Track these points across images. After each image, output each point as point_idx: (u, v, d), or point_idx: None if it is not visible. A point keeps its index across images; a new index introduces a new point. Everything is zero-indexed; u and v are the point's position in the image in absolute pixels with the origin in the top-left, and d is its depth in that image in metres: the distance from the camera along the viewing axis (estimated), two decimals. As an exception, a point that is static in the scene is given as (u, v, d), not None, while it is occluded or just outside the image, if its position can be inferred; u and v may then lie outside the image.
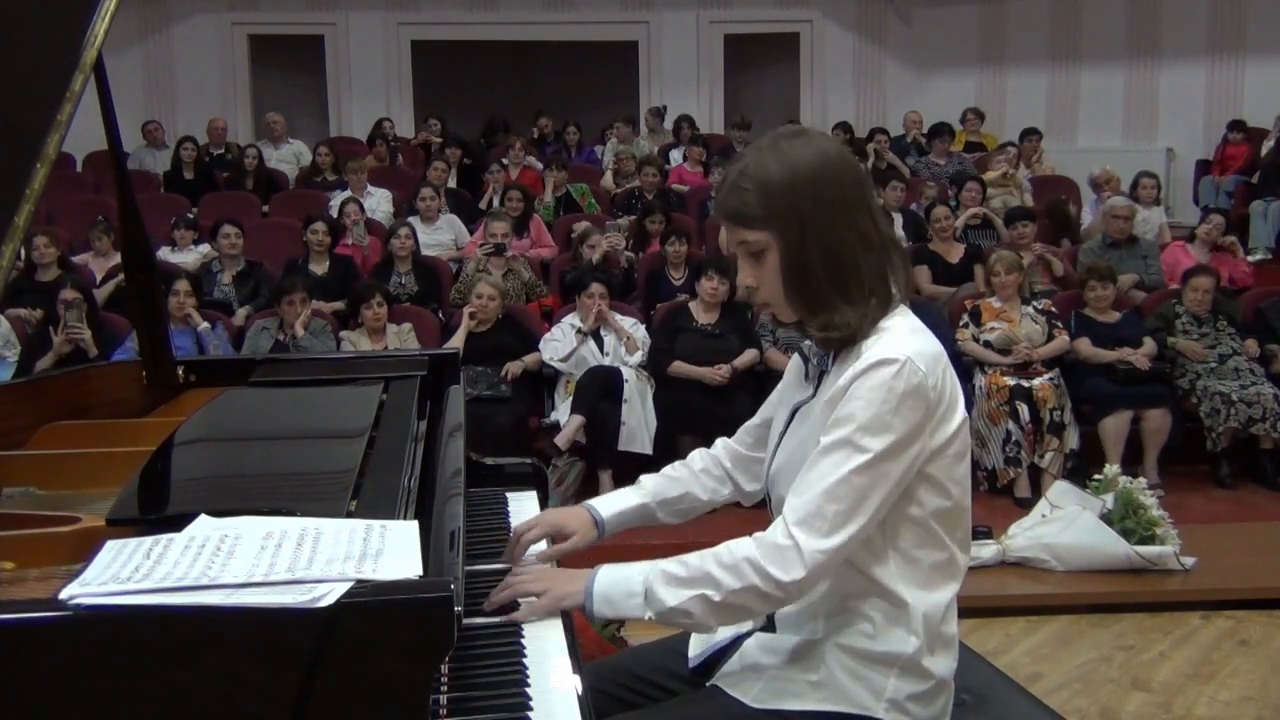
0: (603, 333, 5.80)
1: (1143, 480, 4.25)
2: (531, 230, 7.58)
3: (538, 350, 5.81)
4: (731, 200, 1.64)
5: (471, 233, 7.60)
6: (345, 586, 1.18)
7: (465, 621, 1.21)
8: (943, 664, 1.65)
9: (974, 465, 1.74)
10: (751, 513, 1.85)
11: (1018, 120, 10.58)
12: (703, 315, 5.78)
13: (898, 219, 7.50)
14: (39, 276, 6.37)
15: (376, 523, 1.39)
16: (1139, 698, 3.24)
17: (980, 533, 4.05)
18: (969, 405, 5.11)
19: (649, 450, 5.38)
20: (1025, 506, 4.82)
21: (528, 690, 1.44)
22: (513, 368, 5.66)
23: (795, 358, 1.79)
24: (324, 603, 1.15)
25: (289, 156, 10.19)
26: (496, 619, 1.62)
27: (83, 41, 1.84)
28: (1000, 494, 5.43)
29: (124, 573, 1.23)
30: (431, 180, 8.33)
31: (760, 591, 1.55)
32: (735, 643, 1.76)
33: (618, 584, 1.61)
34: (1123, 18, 10.96)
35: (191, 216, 7.85)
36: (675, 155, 10.07)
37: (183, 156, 9.50)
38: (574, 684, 1.47)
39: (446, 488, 1.71)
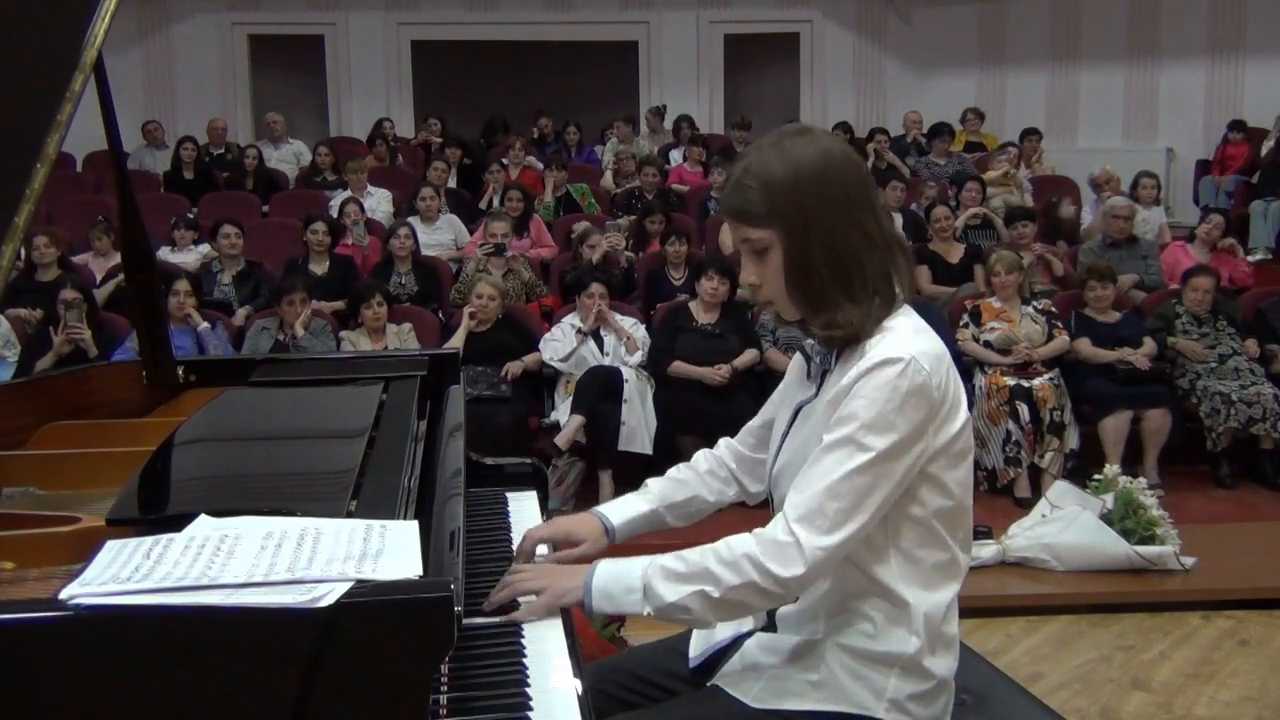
0: (603, 333, 5.80)
1: (1143, 480, 4.25)
2: (531, 230, 7.59)
3: (538, 350, 5.81)
4: (735, 198, 1.63)
5: (471, 233, 7.60)
6: (345, 586, 1.18)
7: (465, 621, 1.21)
8: (943, 664, 1.65)
9: (974, 465, 1.73)
10: (754, 512, 1.85)
11: (1018, 120, 10.58)
12: (703, 315, 5.79)
13: (898, 219, 7.49)
14: (39, 276, 6.37)
15: (376, 523, 1.39)
16: (1139, 698, 3.24)
17: (980, 533, 4.04)
18: (969, 405, 5.11)
19: (649, 450, 5.39)
20: (1025, 506, 4.82)
21: (528, 690, 1.44)
22: (513, 368, 5.66)
23: (797, 357, 1.78)
24: (324, 603, 1.15)
25: (289, 156, 10.19)
26: (496, 619, 1.62)
27: (83, 41, 1.84)
28: (1000, 494, 5.43)
29: (124, 573, 1.23)
30: (431, 180, 8.33)
31: (759, 588, 1.55)
32: (736, 642, 1.76)
33: (617, 579, 1.61)
34: (1123, 18, 10.96)
35: (191, 216, 7.85)
36: (675, 155, 10.08)
37: (183, 156, 9.50)
38: (574, 684, 1.47)
39: (446, 488, 1.71)
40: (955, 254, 6.96)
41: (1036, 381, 5.53)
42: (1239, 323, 6.00)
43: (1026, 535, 4.09)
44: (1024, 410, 5.45)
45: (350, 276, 6.67)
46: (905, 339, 1.58)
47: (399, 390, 2.17)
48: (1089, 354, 5.75)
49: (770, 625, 1.74)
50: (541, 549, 1.85)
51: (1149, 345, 5.75)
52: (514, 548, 1.87)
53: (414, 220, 7.43)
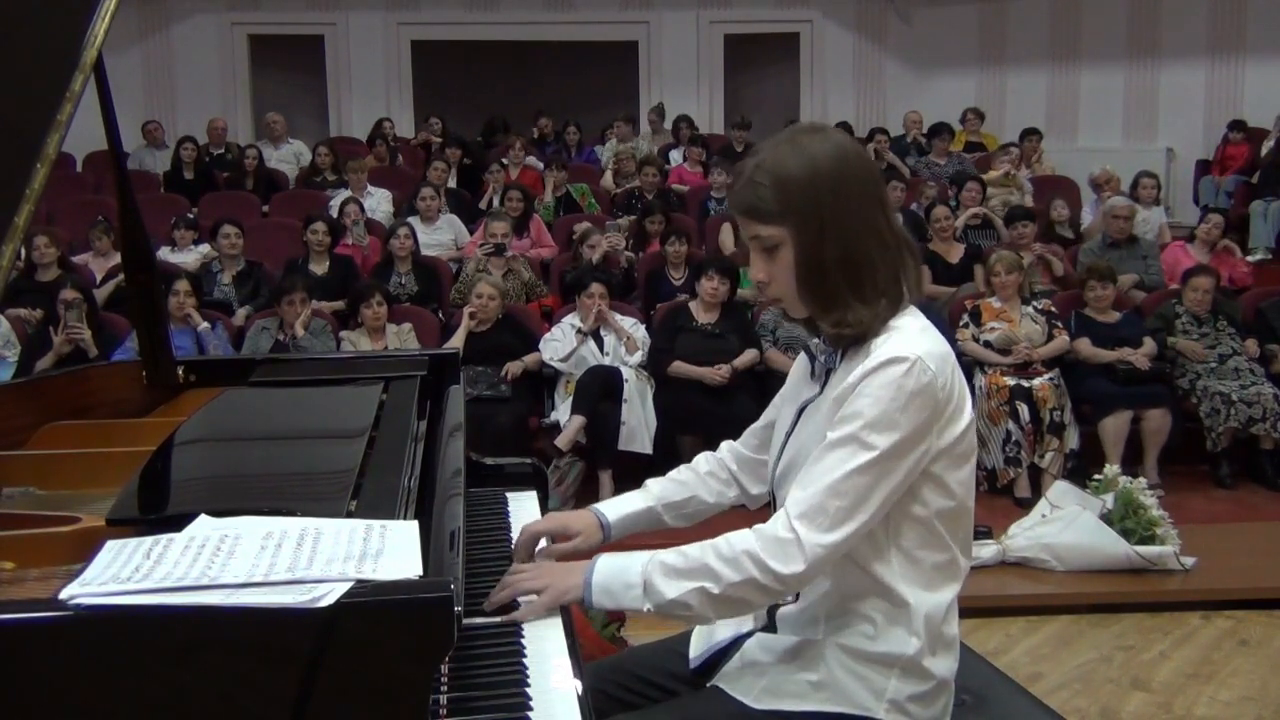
0: (603, 333, 5.80)
1: (1143, 480, 4.25)
2: (531, 230, 7.59)
3: (538, 350, 5.81)
4: (747, 194, 1.62)
5: (471, 233, 7.60)
6: (345, 586, 1.18)
7: (465, 621, 1.21)
8: (943, 665, 1.65)
9: (975, 465, 1.73)
10: (756, 515, 1.84)
11: (1018, 120, 10.58)
12: (703, 315, 5.79)
13: (897, 219, 7.49)
14: (39, 276, 6.37)
15: (376, 523, 1.39)
16: (1139, 698, 3.24)
17: (980, 533, 4.04)
18: (969, 405, 5.10)
19: (649, 450, 5.39)
20: (1025, 506, 4.82)
21: (528, 690, 1.44)
22: (513, 368, 5.66)
23: (801, 356, 1.78)
24: (324, 603, 1.15)
25: (289, 156, 10.19)
26: (497, 619, 1.62)
27: (83, 41, 1.84)
28: (1000, 494, 5.43)
29: (124, 573, 1.23)
30: (431, 180, 8.33)
31: (759, 584, 1.55)
32: (736, 643, 1.76)
33: (616, 575, 1.61)
34: (1123, 18, 10.96)
35: (191, 216, 7.85)
36: (675, 155, 10.08)
37: (183, 156, 9.50)
38: (574, 684, 1.47)
39: (446, 488, 1.71)
40: (955, 254, 6.96)
41: (1036, 381, 5.54)
42: (1239, 323, 6.00)
43: (1026, 535, 4.09)
44: (1024, 410, 5.45)
45: (350, 276, 6.67)
46: (911, 339, 1.58)
47: (399, 390, 2.17)
48: (1089, 354, 5.75)
49: (770, 625, 1.74)
50: (540, 543, 1.85)
51: (1149, 345, 5.75)
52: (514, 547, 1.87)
53: (414, 220, 7.43)
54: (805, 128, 1.67)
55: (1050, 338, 5.75)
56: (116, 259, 6.38)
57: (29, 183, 1.71)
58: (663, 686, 1.84)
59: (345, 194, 8.14)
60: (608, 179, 9.27)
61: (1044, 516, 4.14)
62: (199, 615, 1.15)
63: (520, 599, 1.65)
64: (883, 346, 1.58)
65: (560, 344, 5.75)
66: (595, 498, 5.10)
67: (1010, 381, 5.52)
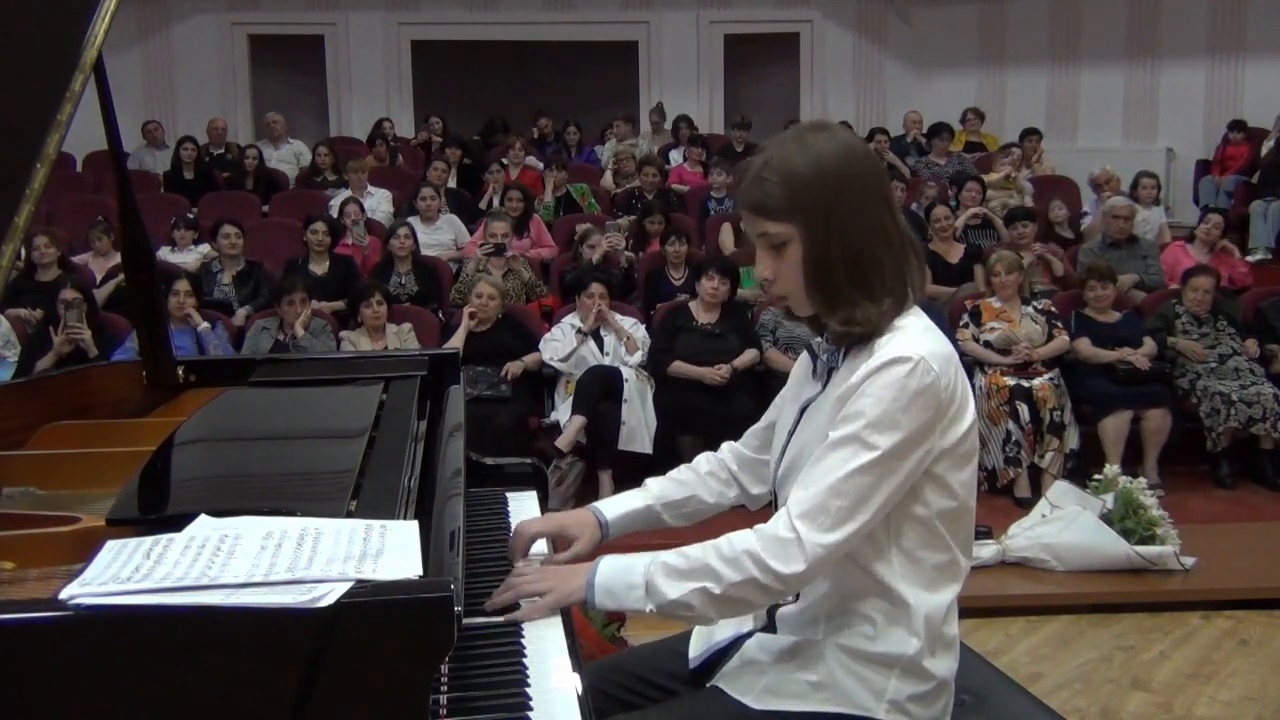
0: (603, 333, 5.80)
1: (1143, 480, 4.25)
2: (531, 230, 7.59)
3: (538, 350, 5.81)
4: (754, 191, 1.62)
5: (471, 233, 7.60)
6: (345, 586, 1.18)
7: (465, 621, 1.21)
8: (944, 665, 1.65)
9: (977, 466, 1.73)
10: (757, 516, 1.84)
11: (1018, 120, 10.58)
12: (703, 315, 5.79)
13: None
14: (39, 276, 6.37)
15: (376, 523, 1.39)
16: (1139, 698, 3.24)
17: (980, 533, 4.04)
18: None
19: (649, 450, 5.39)
20: (1025, 506, 4.82)
21: (528, 690, 1.44)
22: (513, 368, 5.66)
23: (803, 355, 1.78)
24: (324, 603, 1.15)
25: (289, 156, 10.19)
26: (498, 619, 1.62)
27: (83, 41, 1.84)
28: (1000, 494, 5.43)
29: (124, 573, 1.22)
30: (431, 180, 8.33)
31: (760, 584, 1.55)
32: (736, 643, 1.76)
33: (619, 576, 1.61)
34: (1123, 18, 10.96)
35: (191, 216, 7.85)
36: (675, 155, 10.08)
37: (183, 156, 9.50)
38: (574, 684, 1.47)
39: (446, 488, 1.71)
40: (955, 254, 6.96)
41: (1036, 381, 5.54)
42: (1239, 323, 6.00)
43: (1026, 535, 4.09)
44: (1024, 410, 5.45)
45: (350, 276, 6.67)
46: (915, 339, 1.58)
47: (399, 390, 2.17)
48: (1089, 354, 5.75)
49: (770, 626, 1.73)
50: (541, 545, 1.85)
51: (1149, 345, 5.75)
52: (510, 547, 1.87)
53: (414, 220, 7.43)
54: (812, 125, 1.67)
55: (1050, 338, 5.75)
56: (116, 259, 6.38)
57: (29, 183, 1.71)
58: (662, 686, 1.84)
59: (345, 194, 8.14)
60: (608, 179, 9.27)
61: (1044, 516, 4.14)
62: (199, 615, 1.15)
63: (523, 601, 1.65)
64: (886, 346, 1.57)
65: (560, 344, 5.76)
66: (595, 498, 5.05)
67: (1010, 381, 5.52)
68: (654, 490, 1.90)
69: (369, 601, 1.17)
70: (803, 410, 1.72)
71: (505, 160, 9.06)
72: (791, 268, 1.62)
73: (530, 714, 1.39)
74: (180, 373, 2.43)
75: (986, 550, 4.02)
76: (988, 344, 5.72)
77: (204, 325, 5.77)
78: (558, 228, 7.93)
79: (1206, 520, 5.06)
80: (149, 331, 2.40)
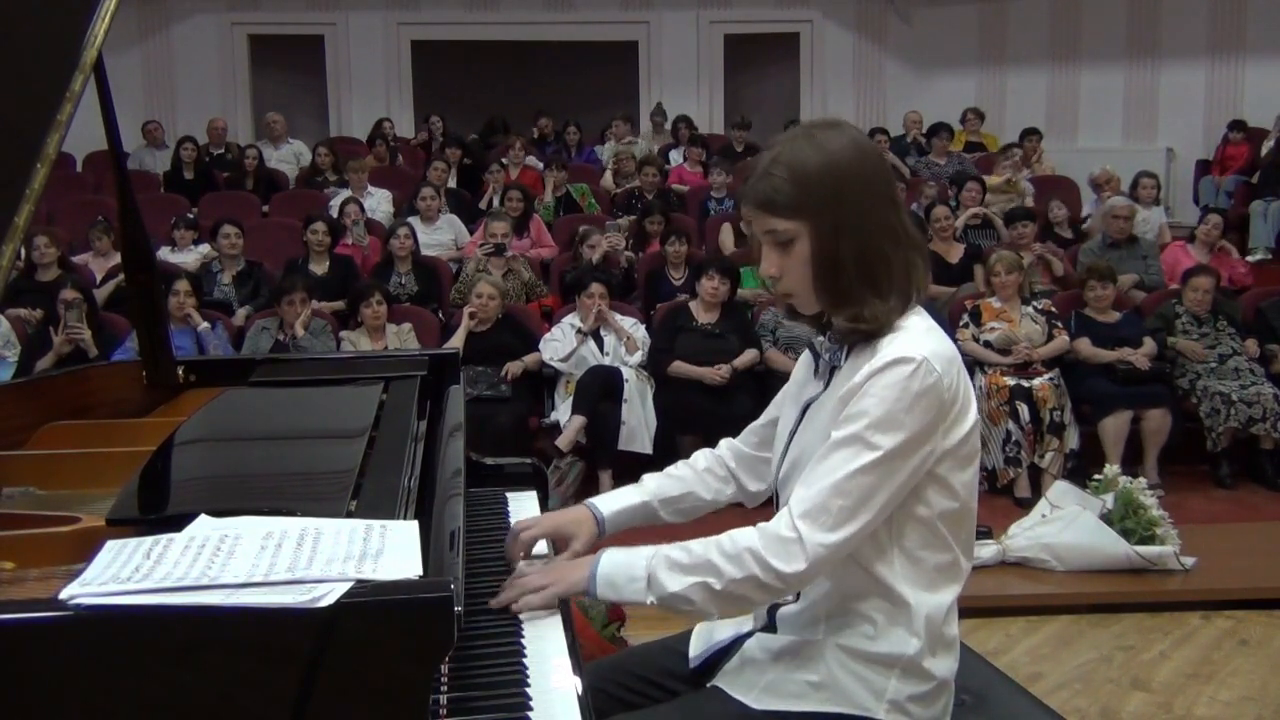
0: (603, 333, 5.80)
1: (1143, 480, 4.25)
2: (531, 230, 7.59)
3: (538, 350, 5.81)
4: (762, 187, 1.61)
5: (471, 233, 7.60)
6: (345, 586, 1.18)
7: (466, 621, 1.21)
8: (944, 665, 1.65)
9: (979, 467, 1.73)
10: (760, 514, 1.84)
11: (1018, 120, 10.58)
12: (703, 315, 5.79)
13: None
14: (39, 276, 6.37)
15: (376, 523, 1.39)
16: (1139, 698, 3.24)
17: (980, 533, 4.05)
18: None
19: (649, 450, 5.39)
20: (1025, 506, 4.82)
21: (528, 690, 1.44)
22: (513, 368, 5.66)
23: (805, 354, 1.77)
24: (324, 603, 1.15)
25: (289, 156, 10.19)
26: (501, 616, 1.62)
27: (83, 41, 1.84)
28: (1000, 494, 5.43)
29: (124, 573, 1.22)
30: (431, 180, 8.33)
31: (760, 582, 1.55)
32: (736, 643, 1.76)
33: (621, 568, 1.61)
34: (1123, 18, 10.96)
35: (191, 216, 7.85)
36: (675, 155, 10.08)
37: (183, 156, 9.50)
38: (574, 684, 1.47)
39: (446, 488, 1.71)
40: (955, 254, 6.96)
41: (1036, 381, 5.54)
42: (1239, 323, 6.00)
43: (1026, 535, 4.09)
44: (1024, 410, 5.45)
45: (350, 276, 6.67)
46: (918, 339, 1.58)
47: (399, 390, 2.17)
48: (1089, 354, 5.75)
49: (771, 626, 1.73)
50: (542, 546, 1.85)
51: (1149, 345, 5.75)
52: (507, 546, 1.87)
53: (414, 220, 7.43)
54: (821, 123, 1.66)
55: (1050, 338, 5.75)
56: (116, 259, 6.38)
57: (29, 183, 1.71)
58: (663, 686, 1.84)
59: (345, 194, 8.14)
60: (608, 179, 9.27)
61: (1044, 516, 4.14)
62: (199, 615, 1.15)
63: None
64: (889, 346, 1.57)
65: (560, 344, 5.76)
66: (595, 498, 5.09)
67: (1010, 381, 5.52)
68: (650, 486, 1.90)
69: (369, 601, 1.17)
70: (805, 409, 1.72)
71: (505, 160, 9.06)
72: (799, 265, 1.61)
73: (530, 714, 1.39)
74: (180, 373, 2.42)
75: (986, 550, 4.02)
76: (988, 344, 5.72)
77: (204, 325, 5.77)
78: (558, 228, 7.93)
79: (1206, 520, 5.06)
80: (149, 331, 2.40)
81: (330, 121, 12.16)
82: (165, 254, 7.08)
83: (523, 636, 1.58)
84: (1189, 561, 3.98)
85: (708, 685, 1.75)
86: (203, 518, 1.40)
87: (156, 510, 1.56)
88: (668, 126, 10.84)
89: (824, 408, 1.66)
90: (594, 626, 3.21)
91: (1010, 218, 7.22)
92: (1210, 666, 3.43)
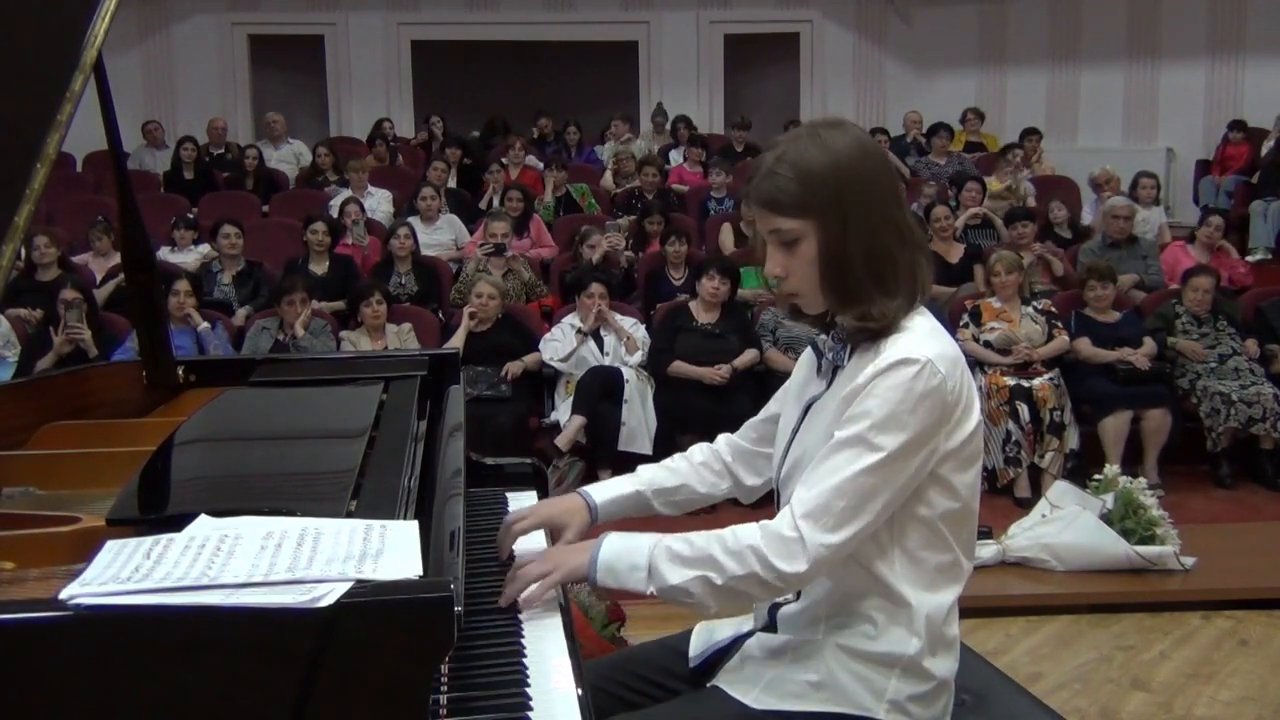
0: (603, 333, 5.80)
1: (1143, 480, 4.25)
2: (531, 230, 7.59)
3: (538, 350, 5.81)
4: (767, 186, 1.60)
5: (471, 233, 7.60)
6: (345, 586, 1.18)
7: (465, 621, 1.21)
8: (944, 665, 1.65)
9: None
10: (757, 514, 1.84)
11: (1018, 120, 10.58)
12: (703, 315, 5.79)
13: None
14: (39, 276, 6.38)
15: (376, 523, 1.39)
16: (1139, 698, 3.24)
17: (980, 533, 4.03)
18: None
19: (649, 450, 5.38)
20: (1025, 506, 4.82)
21: (528, 690, 1.44)
22: (513, 368, 5.66)
23: (807, 352, 1.77)
24: (324, 603, 1.15)
25: (289, 156, 10.19)
26: (501, 616, 1.62)
27: (83, 41, 1.84)
28: (1000, 494, 5.43)
29: (124, 573, 1.22)
30: (431, 180, 8.33)
31: (761, 579, 1.55)
32: (736, 642, 1.76)
33: (622, 556, 1.61)
34: (1123, 18, 10.96)
35: (191, 216, 7.85)
36: (675, 155, 10.08)
37: (183, 156, 9.50)
38: (574, 684, 1.47)
39: (446, 488, 1.71)
40: (955, 254, 6.97)
41: (1036, 381, 5.54)
42: (1239, 323, 6.00)
43: (1026, 535, 4.09)
44: (1024, 410, 5.45)
45: (350, 276, 6.67)
46: (922, 340, 1.58)
47: (399, 390, 2.17)
48: (1089, 354, 5.75)
49: (771, 625, 1.73)
50: (540, 538, 1.85)
51: (1149, 345, 5.75)
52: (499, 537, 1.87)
53: (414, 220, 7.43)
54: (825, 122, 1.66)
55: (1050, 338, 5.75)
56: (116, 259, 6.38)
57: (29, 183, 1.71)
58: (663, 685, 1.84)
59: (345, 194, 8.14)
60: (608, 179, 9.27)
61: (1044, 516, 4.14)
62: (199, 615, 1.15)
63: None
64: (893, 347, 1.57)
65: (560, 344, 5.76)
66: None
67: (1010, 381, 5.52)
68: (645, 477, 1.90)
69: (369, 601, 1.17)
70: (807, 408, 1.72)
71: (505, 160, 9.06)
72: (804, 264, 1.61)
73: (530, 714, 1.39)
74: (180, 373, 2.42)
75: (987, 550, 4.02)
76: (988, 344, 5.72)
77: (204, 325, 5.77)
78: (558, 228, 7.93)
79: (1206, 520, 5.06)
80: (149, 331, 2.39)
81: (330, 121, 12.16)
82: (165, 254, 7.08)
83: (523, 636, 1.58)
84: (1189, 561, 3.98)
85: (708, 685, 1.75)
86: (203, 518, 1.40)
87: (156, 510, 1.56)
88: (668, 127, 10.84)
89: (826, 407, 1.65)
90: (594, 626, 3.21)
91: (1010, 218, 7.22)
92: (1210, 666, 3.43)
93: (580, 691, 1.46)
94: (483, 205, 8.41)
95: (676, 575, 1.58)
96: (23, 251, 5.13)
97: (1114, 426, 5.57)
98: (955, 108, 10.72)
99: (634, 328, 5.88)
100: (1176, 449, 5.66)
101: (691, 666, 1.83)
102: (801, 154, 1.59)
